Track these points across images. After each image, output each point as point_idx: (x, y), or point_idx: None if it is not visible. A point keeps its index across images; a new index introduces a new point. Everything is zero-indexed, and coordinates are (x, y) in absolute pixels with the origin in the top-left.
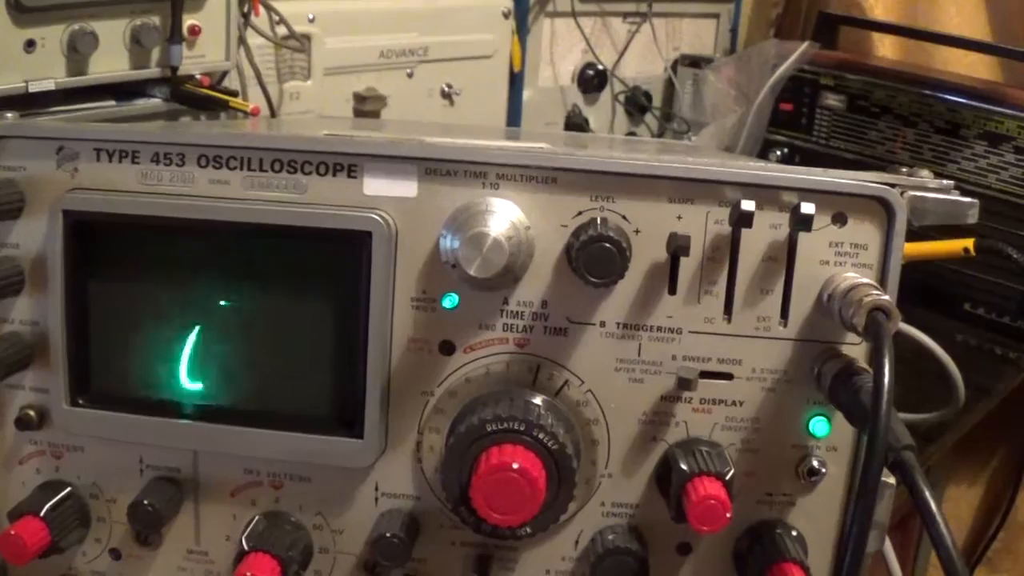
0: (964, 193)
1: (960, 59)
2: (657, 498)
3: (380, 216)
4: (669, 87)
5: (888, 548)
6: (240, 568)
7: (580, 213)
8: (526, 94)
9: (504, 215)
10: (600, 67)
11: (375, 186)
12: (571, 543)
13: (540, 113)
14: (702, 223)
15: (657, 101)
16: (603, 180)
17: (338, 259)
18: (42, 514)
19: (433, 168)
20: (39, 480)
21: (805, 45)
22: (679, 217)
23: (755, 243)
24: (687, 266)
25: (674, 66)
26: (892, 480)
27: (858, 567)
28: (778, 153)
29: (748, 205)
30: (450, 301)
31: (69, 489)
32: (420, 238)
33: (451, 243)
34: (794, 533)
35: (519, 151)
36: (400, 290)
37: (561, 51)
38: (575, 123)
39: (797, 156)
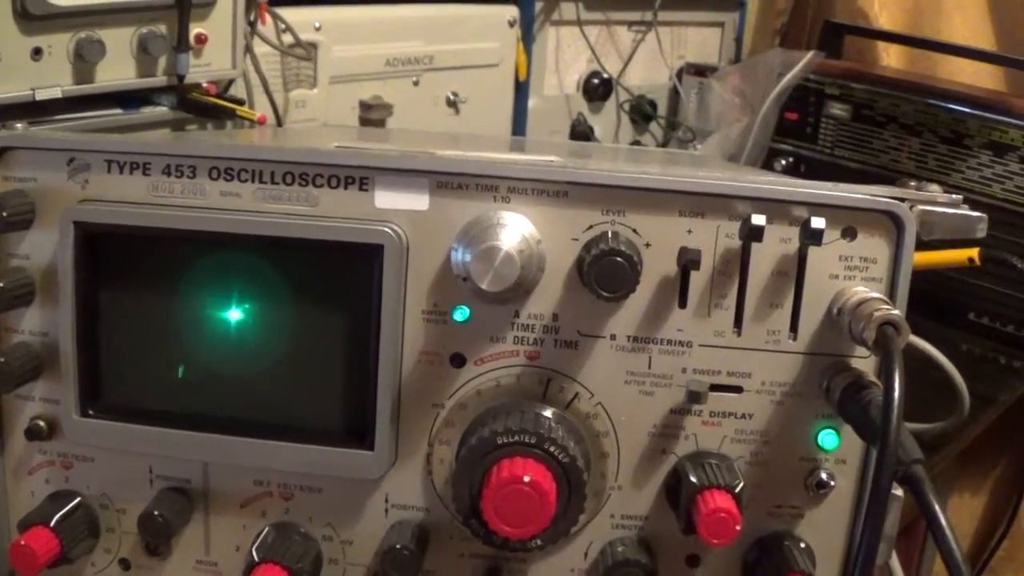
0: (969, 203)
1: (965, 68)
2: (666, 510)
3: (392, 229)
4: (674, 96)
5: (894, 560)
6: None
7: (591, 227)
8: (531, 102)
9: (515, 229)
10: (605, 76)
11: (387, 199)
12: (580, 555)
13: (545, 122)
14: (712, 237)
15: (662, 110)
16: (614, 194)
17: (349, 272)
18: (52, 524)
19: (445, 181)
20: (49, 490)
21: (810, 54)
22: (689, 231)
23: (765, 257)
24: (697, 280)
25: (679, 75)
26: (900, 493)
27: None
28: (783, 162)
29: (759, 219)
30: (461, 314)
31: (79, 499)
32: (431, 251)
33: (463, 256)
34: (802, 545)
35: (530, 165)
36: (411, 303)
37: (566, 60)
38: (580, 132)
39: (802, 165)
